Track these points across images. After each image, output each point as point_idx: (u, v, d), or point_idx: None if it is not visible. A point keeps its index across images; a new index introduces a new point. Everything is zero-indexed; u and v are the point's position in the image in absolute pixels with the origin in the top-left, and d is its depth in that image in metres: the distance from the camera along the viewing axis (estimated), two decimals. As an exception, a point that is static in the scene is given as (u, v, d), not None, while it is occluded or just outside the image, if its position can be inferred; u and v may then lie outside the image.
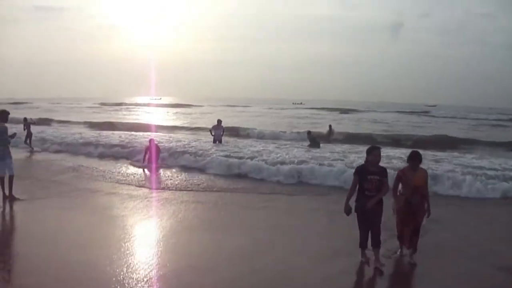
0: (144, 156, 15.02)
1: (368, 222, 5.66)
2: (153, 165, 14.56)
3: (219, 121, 19.72)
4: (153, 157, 14.84)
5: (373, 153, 5.65)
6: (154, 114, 56.80)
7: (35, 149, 18.11)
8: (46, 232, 7.11)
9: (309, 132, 20.16)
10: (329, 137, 22.90)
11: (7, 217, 8.19)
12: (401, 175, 6.05)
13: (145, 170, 14.11)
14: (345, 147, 18.88)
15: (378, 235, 5.65)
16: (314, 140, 19.34)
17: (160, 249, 6.37)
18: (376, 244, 5.68)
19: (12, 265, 5.66)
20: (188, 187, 11.11)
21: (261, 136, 25.48)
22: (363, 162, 5.85)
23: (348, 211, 5.63)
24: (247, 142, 20.77)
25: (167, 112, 61.56)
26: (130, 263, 5.68)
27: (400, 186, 6.08)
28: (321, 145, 19.11)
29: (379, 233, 5.66)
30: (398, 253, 6.32)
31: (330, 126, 24.03)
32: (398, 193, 6.10)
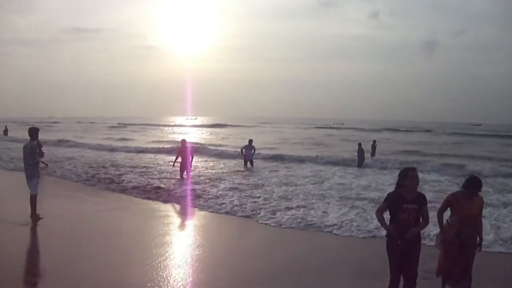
0: (176, 159, 15.72)
1: (404, 260, 4.88)
2: (188, 172, 15.38)
3: (250, 141, 20.43)
4: (187, 161, 15.45)
5: (410, 175, 4.88)
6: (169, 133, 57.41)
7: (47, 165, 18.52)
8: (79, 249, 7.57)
9: (359, 144, 21.66)
10: (372, 152, 24.21)
11: (33, 236, 8.64)
12: (453, 201, 5.39)
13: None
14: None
15: (414, 278, 4.91)
16: (361, 154, 21.06)
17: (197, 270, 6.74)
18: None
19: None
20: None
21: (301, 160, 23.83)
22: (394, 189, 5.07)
23: (393, 229, 4.84)
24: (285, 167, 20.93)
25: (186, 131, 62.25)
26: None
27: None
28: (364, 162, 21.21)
29: (415, 276, 4.92)
30: None
31: (374, 141, 25.20)
32: (446, 222, 5.46)
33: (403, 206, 4.83)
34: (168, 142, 38.89)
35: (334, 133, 61.14)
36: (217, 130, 70.84)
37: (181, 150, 15.69)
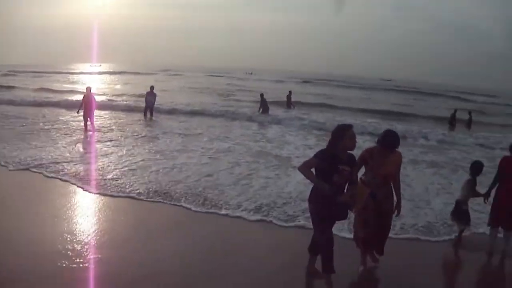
0: (80, 106, 15.62)
1: (334, 217, 4.63)
2: (92, 121, 15.36)
3: (152, 88, 20.20)
4: (92, 110, 15.40)
5: (348, 134, 4.41)
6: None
7: None
8: None
9: (262, 95, 22.49)
10: (288, 103, 24.98)
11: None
12: (368, 157, 5.00)
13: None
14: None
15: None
16: (265, 103, 21.84)
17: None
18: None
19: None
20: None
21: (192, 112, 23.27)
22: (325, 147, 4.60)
23: (333, 190, 4.36)
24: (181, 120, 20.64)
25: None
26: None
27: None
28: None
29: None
30: (360, 269, 5.32)
31: (290, 92, 25.94)
32: (360, 181, 5.00)
33: (339, 167, 4.38)
34: (54, 91, 35.92)
35: (237, 83, 60.78)
36: (114, 77, 66.84)
37: (86, 98, 15.50)
